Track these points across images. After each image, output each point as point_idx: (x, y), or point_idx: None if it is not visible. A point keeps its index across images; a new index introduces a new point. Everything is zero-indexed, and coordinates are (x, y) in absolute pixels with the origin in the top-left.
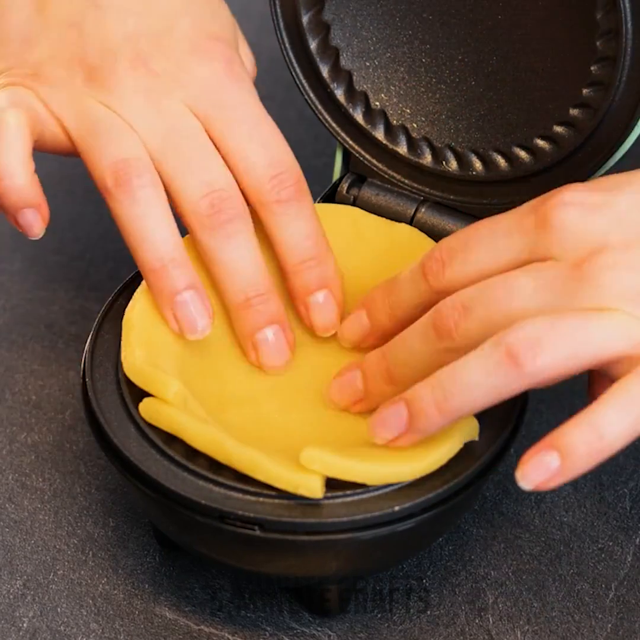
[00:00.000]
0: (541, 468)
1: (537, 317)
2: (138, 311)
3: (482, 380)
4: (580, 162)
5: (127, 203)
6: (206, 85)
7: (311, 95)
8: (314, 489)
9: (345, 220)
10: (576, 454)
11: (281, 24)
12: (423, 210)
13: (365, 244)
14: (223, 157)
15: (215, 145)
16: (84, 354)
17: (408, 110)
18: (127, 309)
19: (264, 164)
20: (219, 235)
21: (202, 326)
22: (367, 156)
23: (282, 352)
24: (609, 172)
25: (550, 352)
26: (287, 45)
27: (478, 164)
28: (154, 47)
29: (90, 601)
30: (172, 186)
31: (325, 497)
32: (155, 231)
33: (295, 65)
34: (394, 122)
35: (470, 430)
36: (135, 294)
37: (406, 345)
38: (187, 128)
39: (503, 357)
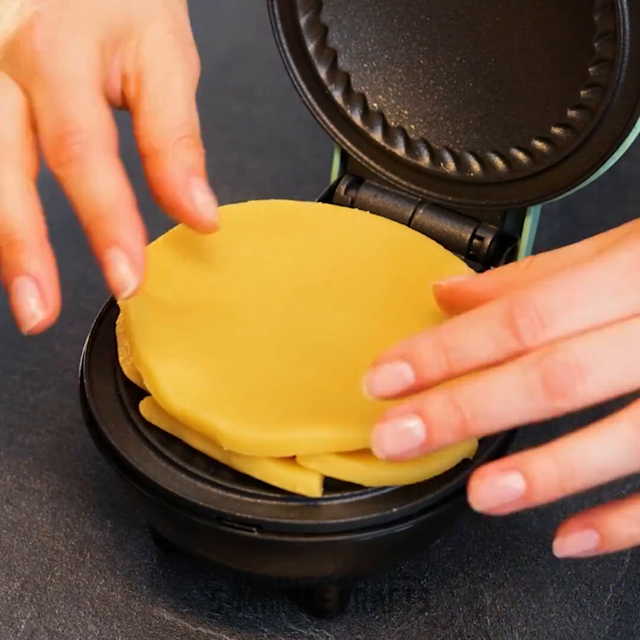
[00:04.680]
0: (579, 545)
1: None
2: (133, 312)
3: (616, 460)
4: (578, 163)
5: None
6: (22, 55)
7: (309, 96)
8: (312, 487)
9: (346, 222)
10: (617, 539)
11: (279, 26)
12: (421, 211)
13: (366, 246)
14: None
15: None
16: (81, 356)
17: (406, 112)
18: (119, 318)
19: (49, 128)
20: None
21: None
22: (365, 157)
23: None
24: (606, 174)
25: None
26: (285, 46)
27: (476, 166)
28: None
29: (88, 602)
30: None
31: (323, 499)
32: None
33: (293, 66)
34: (392, 123)
35: (470, 449)
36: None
37: (501, 398)
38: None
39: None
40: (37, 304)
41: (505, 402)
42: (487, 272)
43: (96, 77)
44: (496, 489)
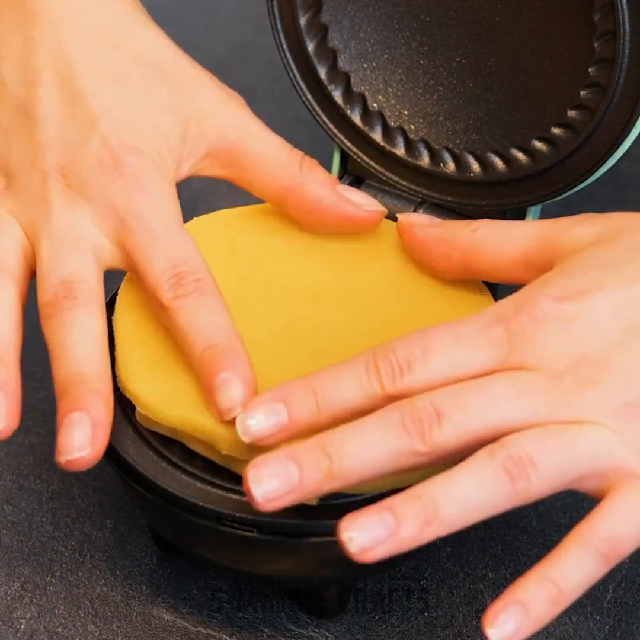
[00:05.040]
0: (508, 623)
1: (525, 432)
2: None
3: (475, 494)
4: (578, 163)
5: None
6: (113, 201)
7: (309, 96)
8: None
9: None
10: (539, 609)
11: (279, 25)
12: (421, 211)
13: (367, 247)
14: (133, 270)
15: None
16: None
17: (406, 112)
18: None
19: (162, 268)
20: (54, 321)
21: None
22: (365, 158)
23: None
24: (606, 174)
25: (542, 470)
26: (285, 46)
27: (476, 166)
28: (66, 158)
29: (88, 603)
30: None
31: (324, 499)
32: None
33: (293, 66)
34: (392, 123)
35: None
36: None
37: (364, 441)
38: (79, 240)
39: (499, 473)
40: (83, 442)
41: (369, 445)
42: (439, 223)
43: (180, 214)
44: (369, 532)
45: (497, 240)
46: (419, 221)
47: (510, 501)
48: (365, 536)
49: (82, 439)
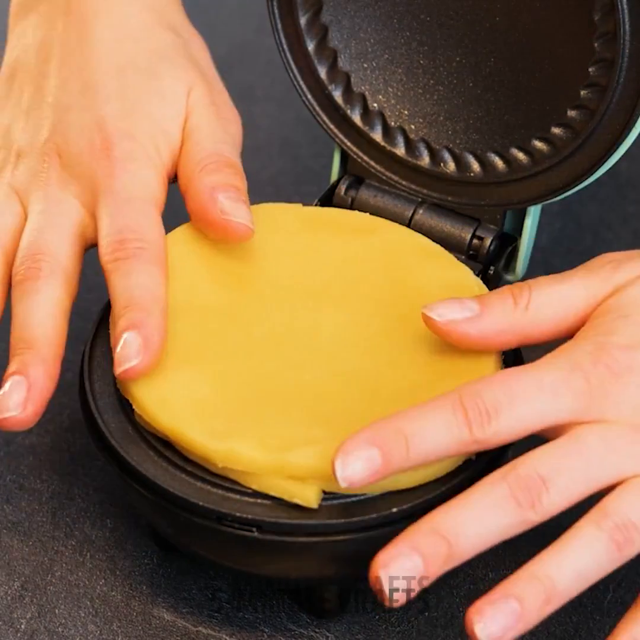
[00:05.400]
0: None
1: (624, 497)
2: None
3: (587, 566)
4: (578, 163)
5: None
6: (95, 178)
7: (309, 96)
8: (309, 499)
9: (345, 224)
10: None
11: (279, 25)
12: (421, 211)
13: (365, 248)
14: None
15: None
16: (82, 356)
17: (406, 112)
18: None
19: (111, 234)
20: (18, 290)
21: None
22: (365, 157)
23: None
24: (606, 174)
25: None
26: (285, 46)
27: (476, 166)
28: (64, 140)
29: (88, 602)
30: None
31: (324, 499)
32: None
33: (293, 66)
34: (392, 123)
35: None
36: None
37: (477, 519)
38: (60, 216)
39: (608, 543)
40: (16, 402)
41: (484, 522)
42: (482, 311)
43: (158, 200)
44: (498, 621)
45: (552, 314)
46: (455, 316)
47: (617, 564)
48: (496, 626)
49: (15, 400)
